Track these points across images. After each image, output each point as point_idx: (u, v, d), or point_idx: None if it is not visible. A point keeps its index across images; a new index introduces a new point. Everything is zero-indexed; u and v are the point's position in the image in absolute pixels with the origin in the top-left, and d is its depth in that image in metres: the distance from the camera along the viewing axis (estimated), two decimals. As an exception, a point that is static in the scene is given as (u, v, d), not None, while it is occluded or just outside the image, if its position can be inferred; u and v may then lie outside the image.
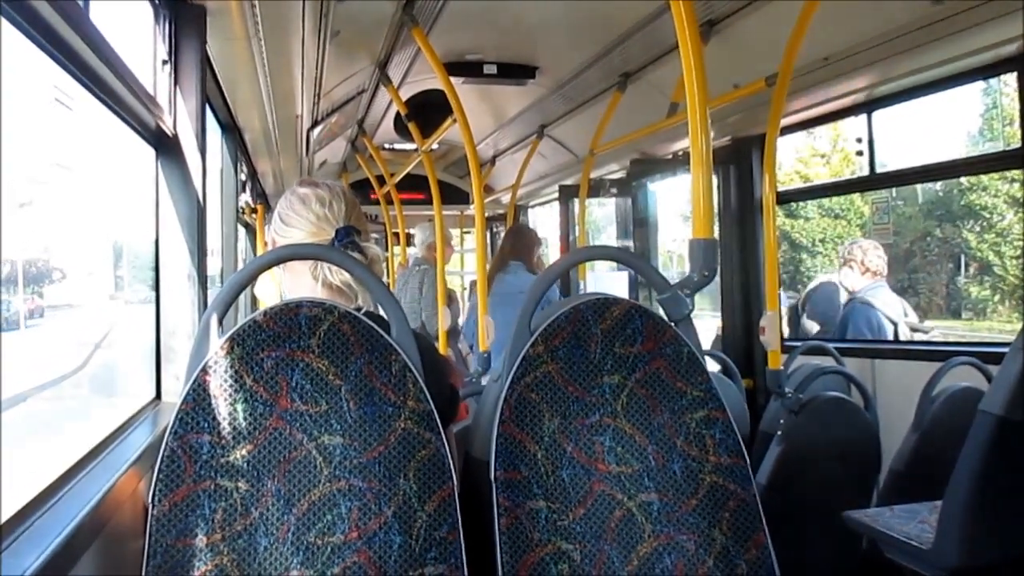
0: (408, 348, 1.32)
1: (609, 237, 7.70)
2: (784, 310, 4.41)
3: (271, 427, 1.25)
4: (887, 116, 3.27)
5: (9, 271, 1.54)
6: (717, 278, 3.11)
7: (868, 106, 3.28)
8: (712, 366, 3.39)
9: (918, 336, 3.61)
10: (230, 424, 1.24)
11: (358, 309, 1.38)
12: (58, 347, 1.92)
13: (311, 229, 1.53)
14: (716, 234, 1.68)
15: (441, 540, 1.25)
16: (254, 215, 5.22)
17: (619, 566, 1.34)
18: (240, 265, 4.00)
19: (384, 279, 1.49)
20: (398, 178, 5.87)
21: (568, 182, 5.58)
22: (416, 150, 5.05)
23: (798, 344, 3.38)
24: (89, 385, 2.12)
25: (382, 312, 1.40)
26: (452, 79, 3.32)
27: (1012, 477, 1.58)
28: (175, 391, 1.84)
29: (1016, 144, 2.90)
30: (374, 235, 6.91)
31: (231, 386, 1.24)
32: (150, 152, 1.93)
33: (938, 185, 11.92)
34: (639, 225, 4.97)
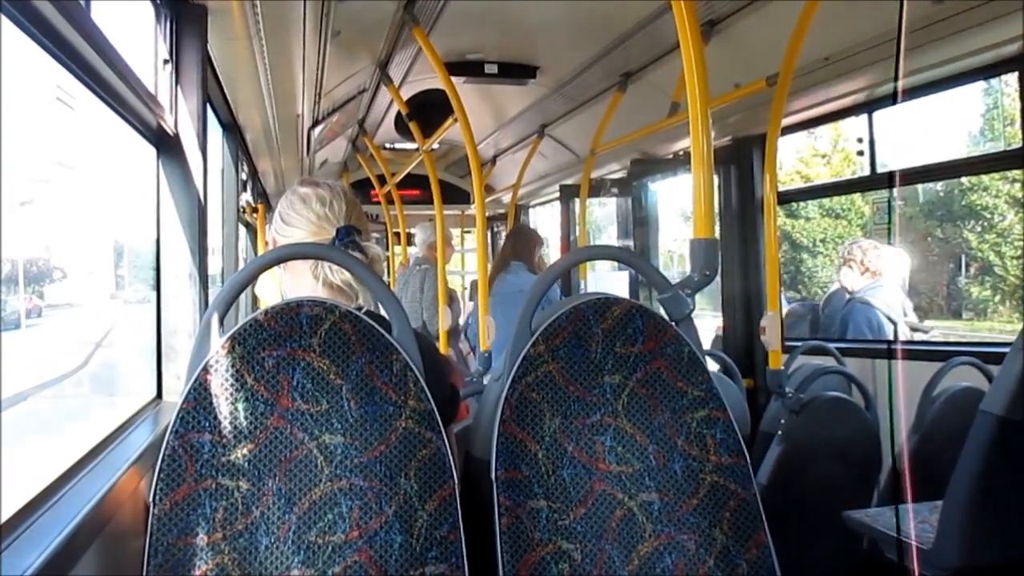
0: (409, 347, 1.32)
1: (610, 237, 7.70)
2: (785, 311, 4.41)
3: (272, 426, 1.25)
4: (888, 116, 3.28)
5: (9, 270, 1.54)
6: (718, 278, 3.10)
7: (869, 106, 3.28)
8: (713, 366, 3.39)
9: (918, 336, 3.61)
10: (231, 423, 1.24)
11: (359, 308, 1.38)
12: (57, 346, 1.92)
13: (312, 228, 1.53)
14: (717, 234, 1.68)
15: (442, 539, 1.26)
16: (255, 214, 5.21)
17: (620, 566, 1.34)
18: (241, 264, 4.00)
19: (384, 278, 1.50)
20: (399, 178, 5.87)
21: (569, 182, 5.58)
22: (417, 150, 5.06)
23: (799, 344, 3.38)
24: (90, 384, 2.12)
25: (383, 311, 1.40)
26: (453, 79, 3.32)
27: (1013, 477, 1.58)
28: (176, 390, 1.84)
29: (1017, 144, 2.90)
30: (375, 235, 6.92)
31: (232, 385, 1.24)
32: (151, 151, 1.93)
33: (939, 185, 11.92)
34: (640, 225, 4.97)
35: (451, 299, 5.05)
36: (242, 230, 4.58)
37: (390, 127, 5.54)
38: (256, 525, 1.21)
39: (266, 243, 4.43)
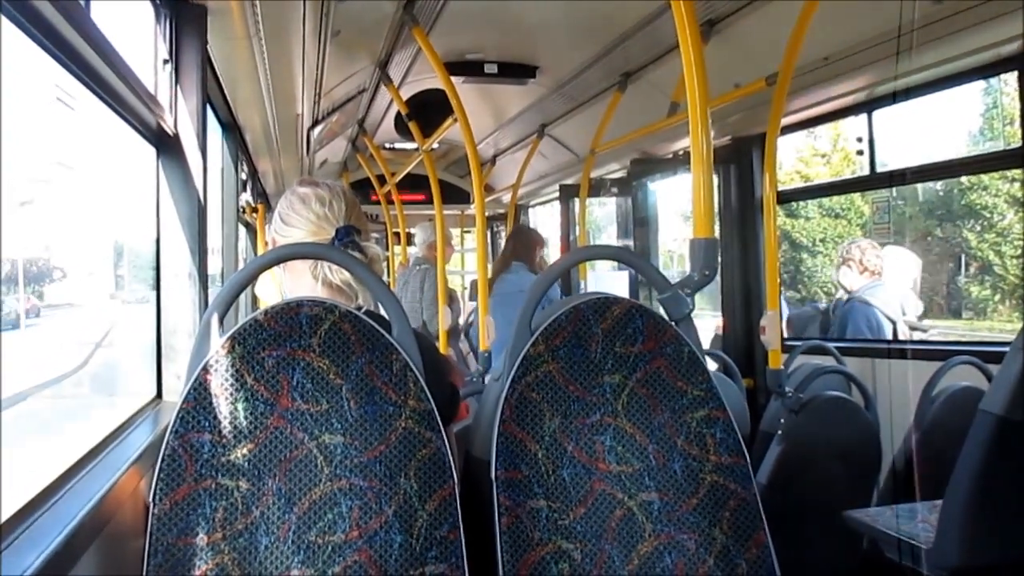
0: (409, 347, 1.32)
1: (610, 236, 7.69)
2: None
3: (272, 426, 1.25)
4: (888, 116, 3.28)
5: (9, 270, 1.54)
6: (717, 277, 3.11)
7: (868, 105, 3.28)
8: (712, 365, 3.39)
9: (917, 335, 3.61)
10: (231, 423, 1.24)
11: (359, 308, 1.39)
12: (56, 347, 1.92)
13: (311, 228, 1.53)
14: (716, 233, 1.69)
15: (442, 539, 1.26)
16: (255, 214, 5.21)
17: (620, 565, 1.34)
18: (241, 264, 4.00)
19: (384, 278, 1.50)
20: (399, 177, 5.87)
21: (569, 181, 5.58)
22: (417, 149, 5.06)
23: (799, 343, 3.38)
24: (90, 384, 2.12)
25: (383, 311, 1.40)
26: (453, 78, 3.32)
27: (1012, 477, 1.58)
28: (176, 390, 1.85)
29: (1016, 143, 2.90)
30: (375, 234, 6.91)
31: (232, 385, 1.24)
32: (151, 151, 1.93)
33: (939, 185, 11.92)
34: (639, 224, 4.97)
35: (451, 299, 5.05)
36: (242, 230, 4.58)
37: (390, 127, 5.54)
38: (256, 525, 1.21)
39: (266, 243, 4.44)
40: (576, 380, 1.43)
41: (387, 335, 1.31)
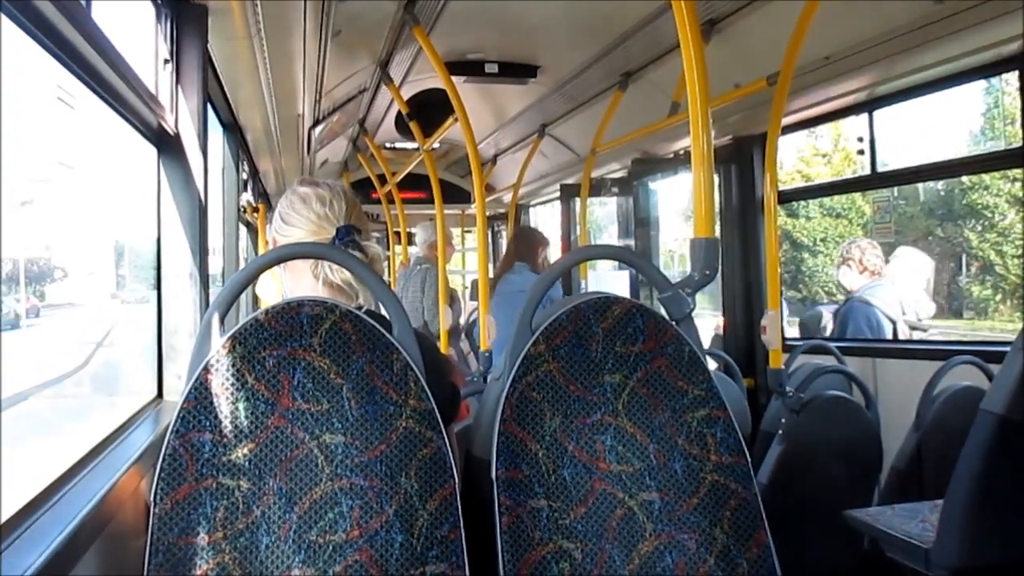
0: (409, 347, 1.32)
1: (610, 236, 7.70)
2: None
3: (273, 426, 1.25)
4: (888, 115, 3.28)
5: (10, 270, 1.54)
6: (718, 277, 3.11)
7: (869, 105, 3.28)
8: (713, 365, 3.39)
9: (917, 334, 3.61)
10: (232, 423, 1.24)
11: (359, 308, 1.39)
12: (55, 347, 1.92)
13: (312, 228, 1.53)
14: (717, 233, 1.68)
15: (442, 539, 1.26)
16: (255, 214, 5.22)
17: (620, 565, 1.34)
18: (241, 264, 4.00)
19: (385, 278, 1.50)
20: (399, 177, 5.87)
21: (569, 181, 5.58)
22: (417, 149, 5.06)
23: (800, 343, 3.38)
24: (91, 384, 2.12)
25: (383, 311, 1.40)
26: (453, 78, 3.32)
27: (1013, 476, 1.58)
28: (177, 390, 1.85)
29: (1017, 143, 2.90)
30: (375, 234, 6.88)
31: (233, 385, 1.25)
32: (152, 151, 1.93)
33: (940, 184, 11.92)
34: (640, 224, 4.97)
35: (452, 299, 5.05)
36: (243, 230, 4.58)
37: (390, 127, 5.54)
38: (257, 524, 1.21)
39: (266, 243, 4.43)
40: (577, 380, 1.43)
41: (388, 335, 1.31)
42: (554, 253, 6.18)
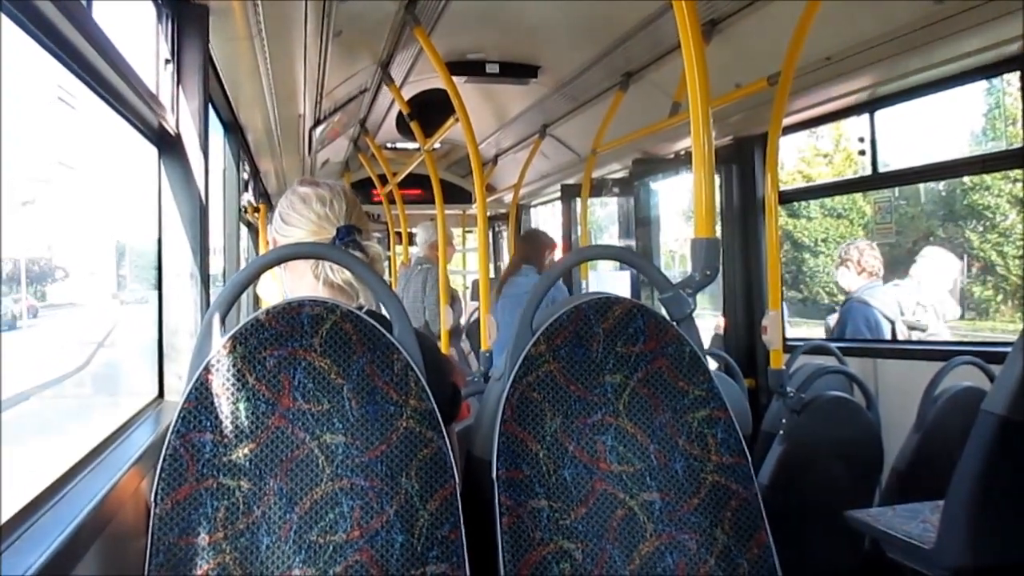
0: (410, 347, 1.32)
1: (611, 236, 7.70)
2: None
3: (273, 426, 1.25)
4: (889, 116, 3.27)
5: (11, 270, 1.54)
6: (719, 277, 3.11)
7: (870, 105, 3.28)
8: (714, 365, 3.39)
9: (915, 334, 3.61)
10: (232, 423, 1.24)
11: (360, 308, 1.39)
12: (55, 347, 1.92)
13: (312, 228, 1.53)
14: (718, 233, 1.68)
15: (443, 539, 1.26)
16: (256, 214, 5.22)
17: (621, 565, 1.34)
18: (242, 264, 4.01)
19: (385, 278, 1.50)
20: (400, 177, 5.88)
21: (570, 181, 5.58)
22: (418, 149, 5.06)
23: (800, 343, 3.38)
24: (91, 384, 2.12)
25: (384, 311, 1.40)
26: (454, 78, 3.32)
27: (1014, 477, 1.58)
28: (177, 390, 1.85)
29: (1018, 144, 2.90)
30: (376, 234, 6.90)
31: (233, 385, 1.25)
32: (152, 151, 1.93)
33: (941, 185, 11.91)
34: (641, 224, 4.97)
35: (452, 299, 5.05)
36: (244, 230, 4.58)
37: (391, 127, 5.54)
38: (257, 525, 1.21)
39: (267, 243, 4.43)
40: (577, 380, 1.42)
41: (388, 335, 1.31)
42: (555, 254, 6.19)
